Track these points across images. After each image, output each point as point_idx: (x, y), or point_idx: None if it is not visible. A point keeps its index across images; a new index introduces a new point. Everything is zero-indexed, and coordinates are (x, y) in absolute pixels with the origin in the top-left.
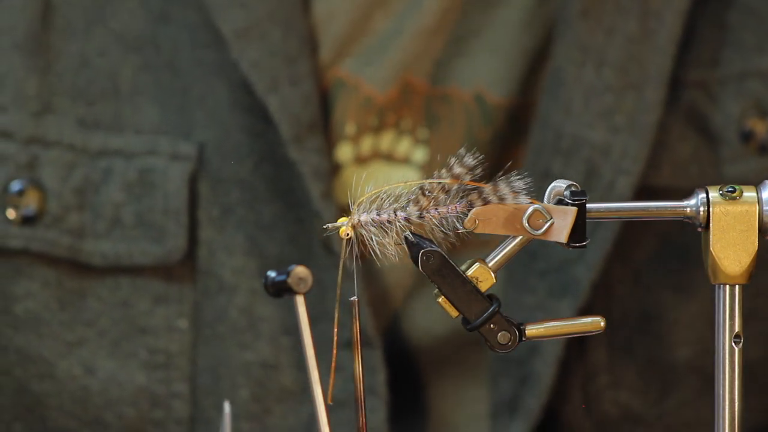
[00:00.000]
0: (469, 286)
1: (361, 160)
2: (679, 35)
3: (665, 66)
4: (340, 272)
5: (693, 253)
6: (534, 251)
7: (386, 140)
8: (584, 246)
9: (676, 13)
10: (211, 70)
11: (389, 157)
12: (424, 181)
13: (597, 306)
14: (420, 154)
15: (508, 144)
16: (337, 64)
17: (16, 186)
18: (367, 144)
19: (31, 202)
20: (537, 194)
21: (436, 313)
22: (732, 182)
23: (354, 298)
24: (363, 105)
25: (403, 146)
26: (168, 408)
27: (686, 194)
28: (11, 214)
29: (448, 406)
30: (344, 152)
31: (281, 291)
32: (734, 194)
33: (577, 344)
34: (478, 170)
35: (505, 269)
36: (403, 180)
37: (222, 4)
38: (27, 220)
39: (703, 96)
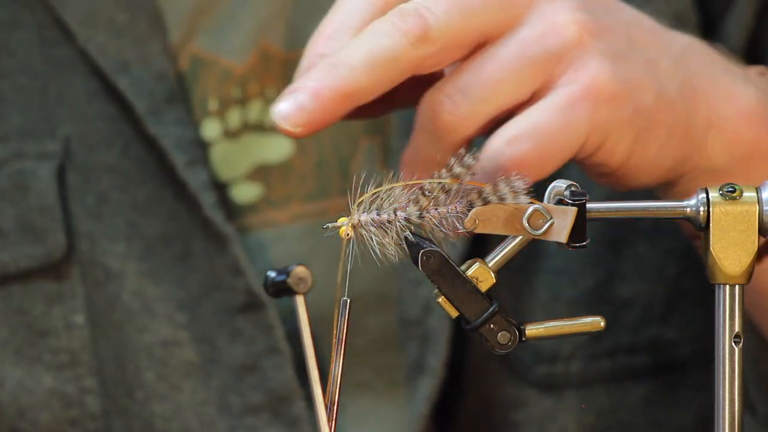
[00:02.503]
0: (469, 286)
1: (231, 134)
2: None
3: None
4: (340, 272)
5: None
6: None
7: (254, 111)
8: (584, 246)
9: None
10: (64, 65)
11: (260, 128)
12: (424, 181)
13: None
14: None
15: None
16: (190, 42)
17: None
18: (234, 117)
19: None
20: None
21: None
22: None
23: (345, 299)
24: (222, 78)
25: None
26: (81, 405)
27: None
28: None
29: (364, 375)
30: (211, 128)
31: (281, 291)
32: (734, 194)
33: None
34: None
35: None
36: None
37: None
38: None
39: None
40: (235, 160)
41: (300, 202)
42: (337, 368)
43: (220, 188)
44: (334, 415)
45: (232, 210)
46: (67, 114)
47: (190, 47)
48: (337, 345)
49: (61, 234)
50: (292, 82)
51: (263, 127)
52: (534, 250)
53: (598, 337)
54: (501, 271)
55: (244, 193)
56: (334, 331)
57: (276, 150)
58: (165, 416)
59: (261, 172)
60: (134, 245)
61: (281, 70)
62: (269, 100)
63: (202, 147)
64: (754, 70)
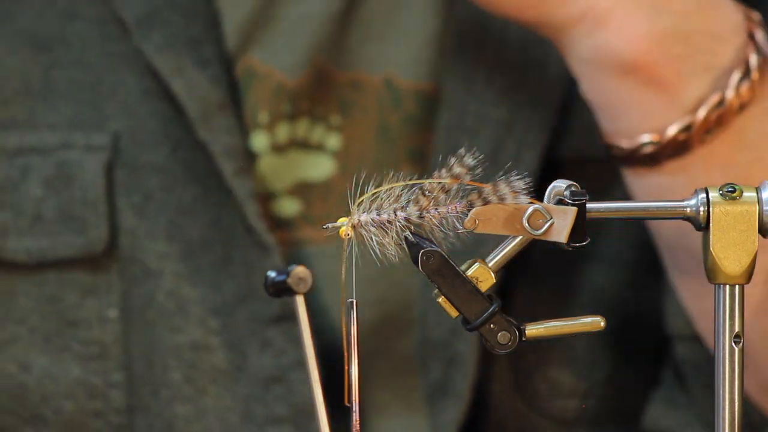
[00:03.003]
0: (469, 286)
1: (277, 148)
2: None
3: None
4: (344, 274)
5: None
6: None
7: (301, 127)
8: (584, 246)
9: None
10: (120, 61)
11: (304, 145)
12: (424, 181)
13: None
14: (333, 141)
15: (420, 127)
16: (246, 52)
17: None
18: (282, 132)
19: None
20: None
21: (369, 299)
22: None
23: (352, 300)
24: (275, 92)
25: (317, 133)
26: (105, 398)
27: (599, 163)
28: None
29: (384, 398)
30: (259, 141)
31: (281, 291)
32: (734, 194)
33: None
34: (478, 169)
35: None
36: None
37: None
38: None
39: None
40: (279, 175)
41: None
42: (353, 369)
43: (263, 200)
44: (357, 416)
45: (272, 223)
46: (118, 110)
47: (245, 58)
48: (349, 347)
49: (104, 228)
50: None
51: (308, 145)
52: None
53: (616, 377)
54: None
55: (285, 208)
56: (343, 333)
57: (318, 169)
58: (187, 418)
59: (302, 189)
60: (175, 246)
61: (331, 89)
62: (316, 118)
63: (250, 157)
64: (744, 15)
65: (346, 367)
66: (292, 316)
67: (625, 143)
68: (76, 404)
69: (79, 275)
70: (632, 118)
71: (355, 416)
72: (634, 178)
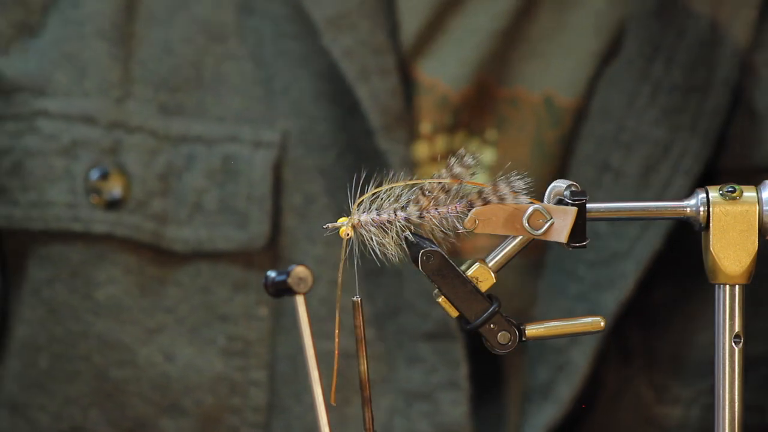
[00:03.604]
0: (469, 286)
1: (435, 160)
2: (748, 43)
3: (731, 72)
4: (341, 272)
5: None
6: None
7: (458, 140)
8: (584, 246)
9: (745, 24)
10: (295, 60)
11: None
12: (424, 181)
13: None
14: (488, 156)
15: (573, 145)
16: (413, 62)
17: (99, 170)
18: (441, 143)
19: (115, 187)
20: (602, 188)
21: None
22: None
23: (356, 298)
24: (439, 104)
25: (473, 146)
26: (245, 395)
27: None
28: (95, 198)
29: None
30: (421, 150)
31: (281, 291)
32: (734, 194)
33: (612, 328)
34: (479, 170)
35: (554, 256)
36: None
37: None
38: (111, 205)
39: (747, 76)
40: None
41: (486, 237)
42: (364, 366)
43: None
44: (370, 414)
45: None
46: (289, 109)
47: (412, 67)
48: (359, 344)
49: (266, 225)
50: None
51: None
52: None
53: None
54: None
55: None
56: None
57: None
58: None
59: None
60: (332, 252)
61: (491, 104)
62: (474, 132)
63: (412, 167)
64: None
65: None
66: (447, 336)
67: None
68: (216, 398)
69: (233, 270)
70: None
71: (368, 414)
72: None
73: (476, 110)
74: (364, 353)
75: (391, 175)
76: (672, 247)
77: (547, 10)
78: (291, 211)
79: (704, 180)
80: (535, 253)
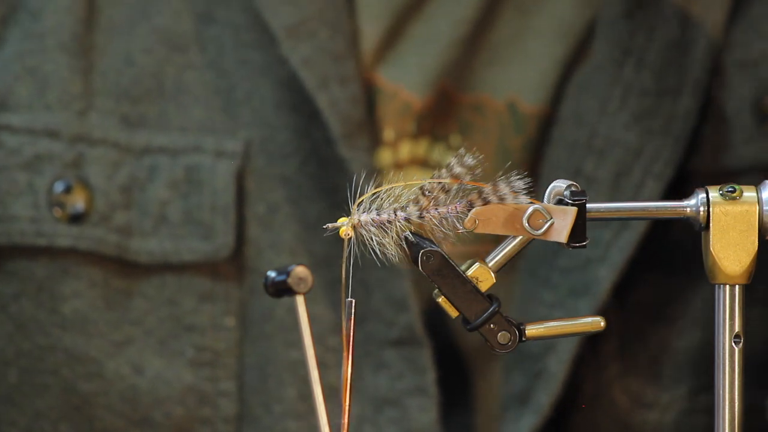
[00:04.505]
0: (469, 286)
1: (398, 166)
2: (718, 43)
3: (701, 75)
4: (343, 273)
5: None
6: (559, 248)
7: (422, 147)
8: (584, 246)
9: (715, 23)
10: (256, 69)
11: (424, 163)
12: (424, 181)
13: (611, 301)
14: None
15: (539, 151)
16: (374, 69)
17: (63, 184)
18: (405, 150)
19: (78, 200)
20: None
21: None
22: (746, 162)
23: (350, 300)
24: (402, 111)
25: (437, 153)
26: (215, 406)
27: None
28: (58, 212)
29: (495, 399)
30: (384, 157)
31: (281, 291)
32: (734, 194)
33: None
34: (479, 170)
35: (527, 264)
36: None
37: (272, 1)
38: (75, 219)
39: (716, 77)
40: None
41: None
42: (347, 369)
43: None
44: (346, 416)
45: None
46: (251, 118)
47: (373, 74)
48: (347, 346)
49: (231, 236)
50: None
51: (427, 164)
52: None
53: (698, 392)
54: None
55: None
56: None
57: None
58: None
59: None
60: (298, 261)
61: (454, 111)
62: (437, 138)
63: (375, 174)
64: None
65: (344, 366)
66: (415, 342)
67: None
68: (186, 410)
69: (199, 281)
70: None
71: (345, 415)
72: None
73: (439, 116)
74: (350, 356)
75: (391, 174)
76: (649, 252)
77: (510, 17)
78: (255, 221)
79: (676, 183)
80: None
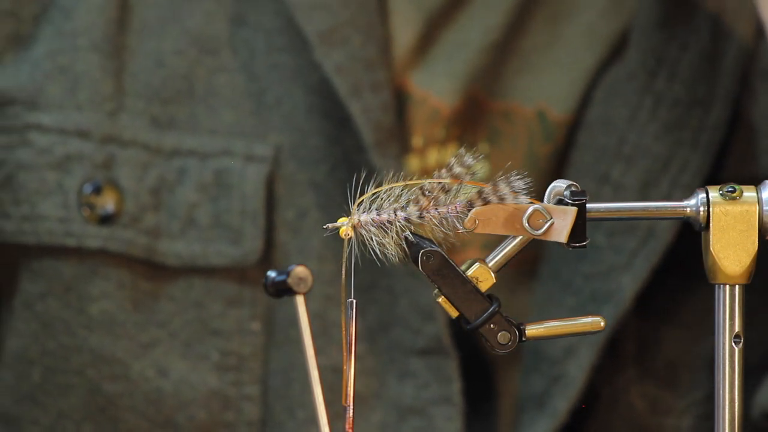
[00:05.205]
0: (469, 286)
1: (426, 173)
2: (748, 54)
3: (732, 86)
4: (344, 274)
5: None
6: (584, 254)
7: (449, 153)
8: (584, 246)
9: (745, 33)
10: (287, 74)
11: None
12: (424, 181)
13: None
14: (480, 169)
15: (567, 159)
16: (404, 75)
17: (92, 185)
18: (432, 157)
19: (108, 202)
20: (601, 201)
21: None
22: None
23: (351, 300)
24: (430, 117)
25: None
26: (239, 410)
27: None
28: (87, 212)
29: (514, 407)
30: (412, 164)
31: (281, 291)
32: (734, 194)
33: (605, 338)
34: (480, 170)
35: (550, 268)
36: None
37: (306, 6)
38: (104, 220)
39: (744, 89)
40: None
41: (477, 250)
42: (350, 369)
43: None
44: (351, 417)
45: None
46: (282, 123)
47: (403, 80)
48: (348, 346)
49: (259, 241)
50: None
51: None
52: None
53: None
54: None
55: None
56: (343, 334)
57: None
58: None
59: None
60: (325, 267)
61: (483, 118)
62: (465, 145)
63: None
64: None
65: (344, 367)
66: (440, 351)
67: None
68: (210, 413)
69: (226, 285)
70: None
71: (349, 414)
72: None
73: (468, 123)
74: (353, 358)
75: (391, 174)
76: (667, 257)
77: (540, 24)
78: (284, 226)
79: None
80: (527, 264)
